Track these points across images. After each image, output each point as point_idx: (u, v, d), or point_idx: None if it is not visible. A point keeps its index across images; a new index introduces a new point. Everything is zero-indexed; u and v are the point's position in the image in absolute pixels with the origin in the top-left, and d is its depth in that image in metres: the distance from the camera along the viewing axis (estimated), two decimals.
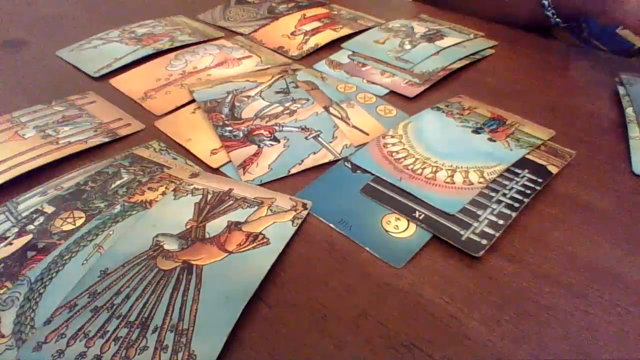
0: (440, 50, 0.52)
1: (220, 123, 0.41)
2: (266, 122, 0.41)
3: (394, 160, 0.37)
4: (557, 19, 0.57)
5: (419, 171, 0.36)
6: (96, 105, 0.45)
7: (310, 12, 0.62)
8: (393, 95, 0.46)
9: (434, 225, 0.32)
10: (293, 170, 0.37)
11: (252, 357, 0.25)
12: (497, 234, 0.31)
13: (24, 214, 0.32)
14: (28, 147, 0.38)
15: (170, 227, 0.31)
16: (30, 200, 0.33)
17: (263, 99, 0.45)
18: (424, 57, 0.51)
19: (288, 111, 0.43)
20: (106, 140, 0.40)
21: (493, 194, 0.34)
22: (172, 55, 0.53)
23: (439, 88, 0.47)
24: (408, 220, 0.32)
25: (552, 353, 0.25)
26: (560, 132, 0.40)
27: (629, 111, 0.42)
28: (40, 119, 0.42)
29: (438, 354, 0.25)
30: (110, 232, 0.31)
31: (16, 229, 0.31)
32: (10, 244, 0.30)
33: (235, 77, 0.48)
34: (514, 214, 0.32)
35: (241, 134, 0.40)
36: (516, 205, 0.33)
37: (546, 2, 0.57)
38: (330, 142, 0.39)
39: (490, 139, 0.39)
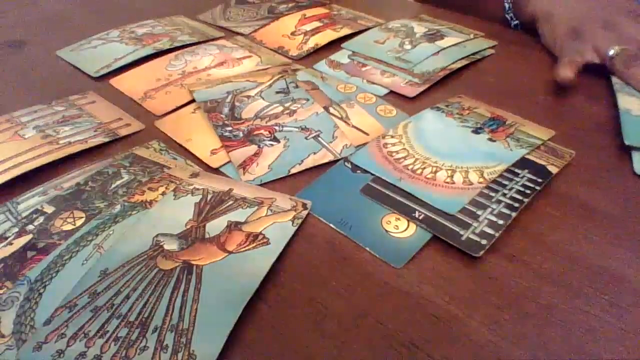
0: (440, 50, 0.52)
1: (220, 123, 0.41)
2: (266, 122, 0.41)
3: (393, 160, 0.37)
4: (516, 21, 0.60)
5: (419, 171, 0.36)
6: (96, 105, 0.45)
7: (311, 12, 0.62)
8: (393, 95, 0.46)
9: (434, 225, 0.32)
10: (293, 170, 0.37)
11: (252, 357, 0.25)
12: (497, 234, 0.31)
13: (24, 214, 0.32)
14: (28, 147, 0.38)
15: (170, 227, 0.31)
16: (30, 200, 0.33)
17: (263, 99, 0.45)
18: (424, 57, 0.51)
19: (288, 111, 0.43)
20: (106, 140, 0.40)
21: (493, 194, 0.34)
22: (172, 55, 0.53)
23: (439, 88, 0.47)
24: (408, 220, 0.32)
25: (552, 353, 0.25)
26: (560, 132, 0.40)
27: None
28: (40, 119, 0.42)
29: (438, 354, 0.25)
30: (110, 232, 0.31)
31: (16, 229, 0.31)
32: (10, 244, 0.30)
33: (235, 77, 0.48)
34: (513, 214, 0.32)
35: (241, 134, 0.40)
36: (516, 205, 0.33)
37: (507, 5, 0.59)
38: (330, 142, 0.39)
39: (490, 139, 0.39)
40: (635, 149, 0.38)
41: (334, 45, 0.55)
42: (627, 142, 0.38)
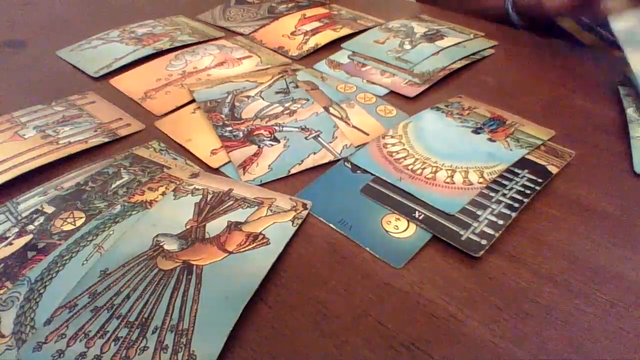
0: (440, 50, 0.52)
1: (220, 123, 0.41)
2: (266, 122, 0.41)
3: (393, 161, 0.37)
4: (521, 23, 0.60)
5: (419, 171, 0.36)
6: (96, 105, 0.45)
7: (310, 12, 0.62)
8: (393, 95, 0.46)
9: (433, 225, 0.32)
10: (293, 171, 0.37)
11: (252, 357, 0.25)
12: (497, 234, 0.31)
13: (24, 214, 0.32)
14: (28, 147, 0.38)
15: (170, 227, 0.31)
16: (30, 200, 0.33)
17: (263, 99, 0.45)
18: (424, 57, 0.51)
19: (288, 111, 0.43)
20: (106, 140, 0.40)
21: (493, 194, 0.34)
22: (172, 55, 0.53)
23: (439, 88, 0.47)
24: (408, 221, 0.32)
25: (552, 353, 0.25)
26: (560, 132, 0.40)
27: (630, 111, 0.42)
28: (40, 119, 0.42)
29: (438, 354, 0.25)
30: (111, 232, 0.31)
31: (16, 229, 0.31)
32: (11, 244, 0.30)
33: (235, 77, 0.48)
34: (513, 214, 0.32)
35: (241, 134, 0.40)
36: (516, 205, 0.33)
37: (509, 7, 0.59)
38: (330, 142, 0.39)
39: (490, 139, 0.39)
40: None
41: (334, 45, 0.55)
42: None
